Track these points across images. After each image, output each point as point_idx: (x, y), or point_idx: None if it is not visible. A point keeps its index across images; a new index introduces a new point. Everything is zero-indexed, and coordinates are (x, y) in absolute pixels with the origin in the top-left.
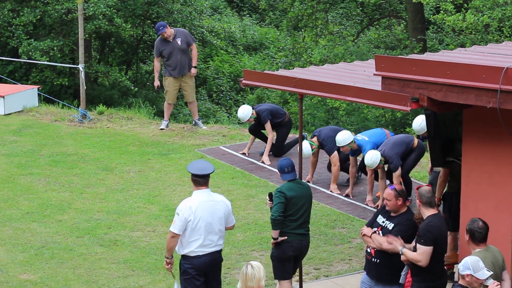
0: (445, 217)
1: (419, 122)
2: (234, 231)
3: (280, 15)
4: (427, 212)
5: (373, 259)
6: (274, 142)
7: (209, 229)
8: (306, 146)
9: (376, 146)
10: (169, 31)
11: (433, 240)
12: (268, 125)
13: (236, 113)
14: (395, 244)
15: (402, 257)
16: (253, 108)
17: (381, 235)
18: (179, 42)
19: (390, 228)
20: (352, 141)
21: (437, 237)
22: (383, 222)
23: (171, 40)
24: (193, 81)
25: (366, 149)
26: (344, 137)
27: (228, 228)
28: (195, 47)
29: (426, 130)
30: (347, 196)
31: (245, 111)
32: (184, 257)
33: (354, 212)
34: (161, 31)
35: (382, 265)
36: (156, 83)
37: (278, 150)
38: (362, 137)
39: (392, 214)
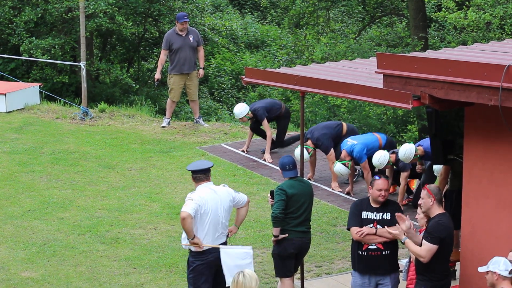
0: None
1: (404, 152)
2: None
3: (282, 13)
4: (437, 210)
5: (384, 252)
6: (275, 136)
7: (216, 221)
8: (244, 109)
9: (367, 147)
10: (187, 25)
11: (440, 239)
12: (265, 123)
13: None
14: (399, 232)
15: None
16: (249, 109)
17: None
18: (191, 39)
19: (389, 218)
20: (389, 161)
21: (445, 237)
22: (375, 215)
23: (183, 35)
24: (197, 80)
25: (355, 150)
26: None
27: (242, 207)
28: (202, 49)
29: (411, 159)
30: (348, 194)
31: (241, 109)
32: (193, 254)
33: None
34: (184, 20)
35: (392, 255)
36: (157, 76)
37: (280, 142)
38: (351, 142)
39: (376, 206)
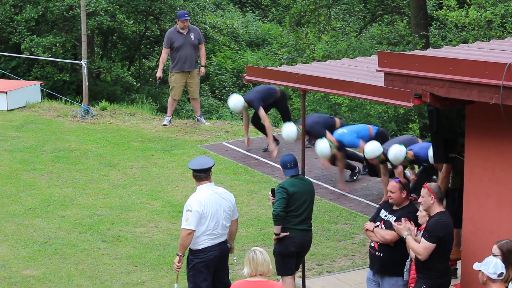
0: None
1: (393, 153)
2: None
3: (283, 11)
4: (437, 209)
5: (376, 253)
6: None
7: (216, 221)
8: (292, 129)
9: (356, 133)
10: (188, 23)
11: (438, 238)
12: (261, 112)
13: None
14: (402, 227)
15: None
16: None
17: (384, 229)
18: (192, 37)
19: (392, 221)
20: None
21: (444, 235)
22: (386, 216)
23: (184, 33)
24: (198, 78)
25: (345, 139)
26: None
27: (233, 219)
28: (204, 47)
29: (401, 161)
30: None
31: (236, 102)
32: (192, 252)
33: (356, 208)
34: (185, 18)
35: (385, 259)
36: (159, 74)
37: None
38: (341, 131)
39: (395, 208)
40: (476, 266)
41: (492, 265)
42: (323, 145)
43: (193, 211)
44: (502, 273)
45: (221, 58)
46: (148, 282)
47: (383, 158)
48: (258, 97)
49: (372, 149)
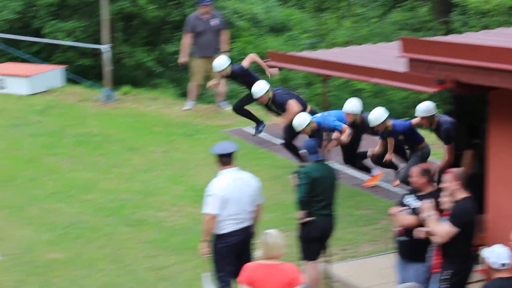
0: None
1: (375, 114)
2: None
3: None
4: (462, 194)
5: (399, 238)
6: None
7: (240, 205)
8: (264, 86)
9: (336, 117)
10: (209, 8)
11: (462, 223)
12: (246, 62)
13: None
14: (428, 207)
15: (419, 232)
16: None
17: (406, 214)
18: (214, 23)
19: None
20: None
21: (468, 221)
22: (410, 201)
23: (206, 19)
24: None
25: (325, 121)
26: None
27: (256, 206)
28: (226, 33)
29: (379, 123)
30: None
31: (223, 61)
32: (216, 236)
33: (379, 193)
34: (207, 3)
35: (408, 243)
36: (182, 59)
37: (241, 109)
38: (324, 113)
39: (419, 194)
40: (483, 253)
41: (495, 254)
42: (302, 118)
43: (214, 195)
44: (504, 263)
45: (243, 43)
46: (171, 267)
47: (358, 122)
48: (245, 67)
49: (353, 103)
